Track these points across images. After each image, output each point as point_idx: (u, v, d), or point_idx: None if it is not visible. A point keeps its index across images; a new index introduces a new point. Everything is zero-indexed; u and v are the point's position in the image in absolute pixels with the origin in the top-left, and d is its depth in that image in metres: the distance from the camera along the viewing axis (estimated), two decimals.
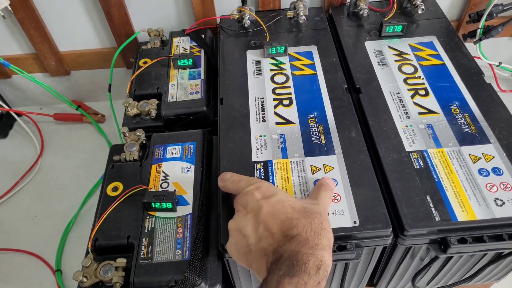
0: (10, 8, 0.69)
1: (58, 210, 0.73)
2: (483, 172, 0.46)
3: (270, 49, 0.60)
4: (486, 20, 0.71)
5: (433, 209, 0.43)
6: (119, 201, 0.48)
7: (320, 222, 0.37)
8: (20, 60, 0.79)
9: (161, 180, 0.50)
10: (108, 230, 0.46)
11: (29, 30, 0.73)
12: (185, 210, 0.47)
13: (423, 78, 0.56)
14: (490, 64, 0.80)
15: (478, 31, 0.72)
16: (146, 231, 0.46)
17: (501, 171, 0.46)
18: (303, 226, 0.36)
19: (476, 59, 0.60)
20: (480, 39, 0.73)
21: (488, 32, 0.72)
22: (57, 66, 0.80)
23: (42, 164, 0.80)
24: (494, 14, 0.71)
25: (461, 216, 0.42)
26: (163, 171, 0.51)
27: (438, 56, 0.60)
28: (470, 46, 0.72)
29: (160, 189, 0.49)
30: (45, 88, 0.78)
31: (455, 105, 0.53)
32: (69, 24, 0.75)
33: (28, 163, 0.79)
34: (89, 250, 0.46)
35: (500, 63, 0.80)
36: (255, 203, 0.39)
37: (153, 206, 0.46)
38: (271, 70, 0.59)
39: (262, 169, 0.48)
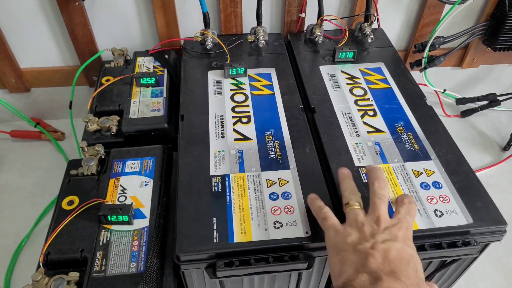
0: None
1: (10, 230, 0.70)
2: (424, 185, 0.49)
3: (230, 70, 0.63)
4: (429, 51, 0.78)
5: None
6: (74, 215, 0.47)
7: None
8: None
9: (119, 194, 0.50)
10: (61, 243, 0.46)
11: None
12: (142, 223, 0.47)
13: (372, 100, 0.61)
14: (435, 91, 0.87)
15: (423, 60, 0.79)
16: (100, 244, 0.45)
17: (440, 185, 0.49)
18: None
19: (422, 86, 0.66)
20: (425, 68, 0.80)
21: (432, 61, 0.79)
22: (16, 83, 0.79)
23: None
24: (437, 45, 0.78)
25: None
26: (121, 185, 0.51)
27: (385, 81, 0.65)
28: (417, 74, 0.79)
29: (117, 203, 0.49)
30: (3, 104, 0.77)
31: (400, 125, 0.57)
32: (31, 41, 0.75)
33: None
34: (40, 264, 0.45)
35: (444, 90, 0.87)
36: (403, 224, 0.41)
37: (109, 219, 0.46)
38: (231, 89, 0.62)
39: (219, 183, 0.49)
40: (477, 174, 0.52)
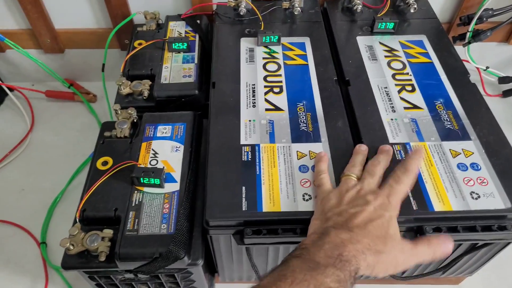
0: None
1: (45, 185, 0.73)
2: (461, 166, 0.48)
3: (264, 38, 0.61)
4: (476, 24, 0.73)
5: (411, 199, 0.45)
6: (109, 175, 0.49)
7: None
8: (15, 35, 0.79)
9: (151, 157, 0.51)
10: (96, 202, 0.47)
11: (26, 5, 0.73)
12: (173, 187, 0.48)
13: (410, 75, 0.58)
14: (477, 68, 0.82)
15: (468, 34, 0.74)
16: (133, 204, 0.47)
17: (479, 167, 0.47)
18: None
19: (464, 62, 0.62)
20: (469, 42, 0.75)
21: (477, 35, 0.74)
22: (51, 43, 0.80)
23: (32, 140, 0.80)
24: (484, 19, 0.73)
25: (438, 206, 0.44)
26: (152, 149, 0.52)
27: (426, 55, 0.61)
28: (459, 48, 0.74)
29: (149, 166, 0.50)
30: (39, 64, 0.78)
31: (439, 102, 0.55)
32: (66, 2, 0.75)
33: (18, 138, 0.79)
34: (77, 220, 0.47)
35: (487, 67, 0.82)
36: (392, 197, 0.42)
37: (142, 181, 0.47)
38: (263, 58, 0.60)
39: (249, 152, 0.49)
40: None
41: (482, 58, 0.81)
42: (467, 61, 0.78)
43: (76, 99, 0.84)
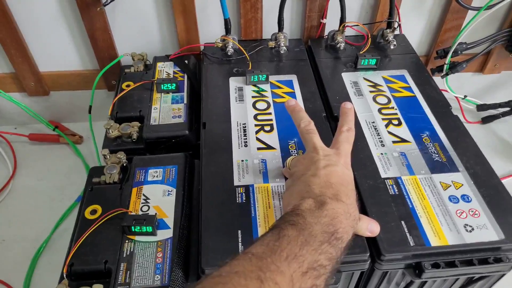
0: None
1: (28, 234, 0.70)
2: (453, 199, 0.48)
3: (252, 77, 0.62)
4: (451, 57, 0.76)
5: (408, 234, 0.45)
6: (98, 224, 0.47)
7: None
8: None
9: (142, 203, 0.50)
10: (85, 254, 0.45)
11: (10, 50, 0.73)
12: (166, 234, 0.47)
13: (396, 109, 0.60)
14: (456, 97, 0.85)
15: (445, 66, 0.77)
16: (124, 255, 0.45)
17: (469, 198, 0.48)
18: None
19: (443, 92, 0.64)
20: (447, 74, 0.78)
21: (454, 67, 0.78)
22: (36, 86, 0.80)
23: (14, 186, 0.77)
24: (459, 52, 0.76)
25: (434, 241, 0.44)
26: (144, 194, 0.51)
27: (409, 89, 0.63)
28: (437, 79, 0.77)
29: (140, 213, 0.49)
30: (22, 108, 0.77)
31: (426, 135, 0.56)
32: (51, 45, 0.75)
33: None
34: (64, 276, 0.45)
35: (465, 96, 0.85)
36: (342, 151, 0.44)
37: (133, 229, 0.46)
38: (253, 96, 0.61)
39: (243, 193, 0.48)
40: None
41: (459, 88, 0.84)
42: (446, 91, 0.81)
43: (61, 141, 0.83)
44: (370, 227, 0.44)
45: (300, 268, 0.32)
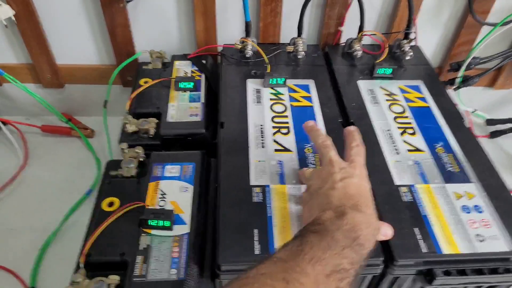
0: (14, 18, 0.69)
1: (37, 224, 0.70)
2: (465, 209, 0.49)
3: (271, 80, 0.63)
4: (464, 71, 0.78)
5: (420, 241, 0.46)
6: (116, 216, 0.48)
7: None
8: (15, 69, 0.78)
9: (159, 198, 0.50)
10: (102, 245, 0.46)
11: (30, 41, 0.74)
12: (182, 229, 0.47)
13: (411, 118, 0.61)
14: (466, 111, 0.86)
15: (458, 80, 0.79)
16: (141, 248, 0.45)
17: (481, 209, 0.49)
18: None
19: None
20: (459, 87, 0.79)
21: (466, 81, 0.79)
22: (52, 78, 0.80)
23: (25, 176, 0.78)
24: (472, 66, 0.77)
25: (446, 249, 0.45)
26: (161, 189, 0.51)
27: (424, 99, 0.64)
28: (449, 92, 0.78)
29: (157, 207, 0.49)
30: (38, 99, 0.77)
31: (440, 145, 0.57)
32: (70, 38, 0.76)
33: (10, 174, 0.77)
34: (81, 265, 0.45)
35: (475, 110, 0.86)
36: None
37: (150, 223, 0.47)
38: (270, 99, 0.62)
39: (260, 193, 0.49)
40: None
41: (469, 101, 0.85)
42: (457, 104, 0.82)
43: (73, 134, 0.83)
44: (383, 231, 0.44)
45: (324, 271, 0.33)
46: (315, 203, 0.43)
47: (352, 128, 0.49)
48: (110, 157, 0.78)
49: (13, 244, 0.68)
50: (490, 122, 0.88)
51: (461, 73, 0.77)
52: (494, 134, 0.89)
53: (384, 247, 0.46)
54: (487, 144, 0.89)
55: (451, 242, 0.46)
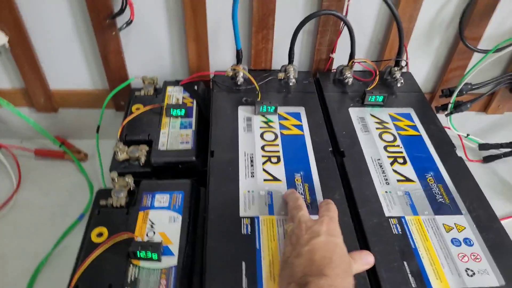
0: (8, 45, 0.70)
1: (29, 249, 0.69)
2: (455, 242, 0.49)
3: (261, 107, 0.63)
4: (456, 96, 0.78)
5: (410, 275, 0.45)
6: (104, 248, 0.47)
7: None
8: (9, 94, 0.79)
9: (148, 228, 0.50)
10: (90, 277, 0.45)
11: (23, 66, 0.74)
12: (170, 261, 0.47)
13: (401, 147, 0.61)
14: (459, 135, 0.86)
15: (450, 105, 0.79)
16: (129, 281, 0.45)
17: (471, 242, 0.49)
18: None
19: (446, 129, 0.66)
20: (451, 113, 0.80)
21: (458, 106, 0.79)
22: (45, 103, 0.81)
23: (17, 200, 0.77)
24: (464, 92, 0.78)
25: (435, 284, 0.45)
26: (150, 220, 0.51)
27: (415, 127, 0.65)
28: (441, 117, 0.78)
29: (145, 238, 0.49)
30: (31, 124, 0.78)
31: (430, 175, 0.57)
32: (63, 64, 0.76)
33: (2, 198, 0.77)
34: None
35: (468, 134, 0.87)
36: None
37: (139, 255, 0.46)
38: (261, 127, 0.62)
39: (249, 225, 0.49)
40: None
41: (462, 126, 0.86)
42: (449, 129, 0.83)
43: (66, 157, 0.83)
44: (365, 260, 0.44)
45: None
46: (284, 274, 0.42)
47: (327, 201, 0.49)
48: (103, 181, 0.78)
49: (4, 269, 0.67)
50: (483, 147, 0.88)
51: (453, 99, 0.78)
52: (487, 159, 0.89)
53: (373, 281, 0.45)
54: (480, 169, 0.89)
55: (441, 277, 0.45)
